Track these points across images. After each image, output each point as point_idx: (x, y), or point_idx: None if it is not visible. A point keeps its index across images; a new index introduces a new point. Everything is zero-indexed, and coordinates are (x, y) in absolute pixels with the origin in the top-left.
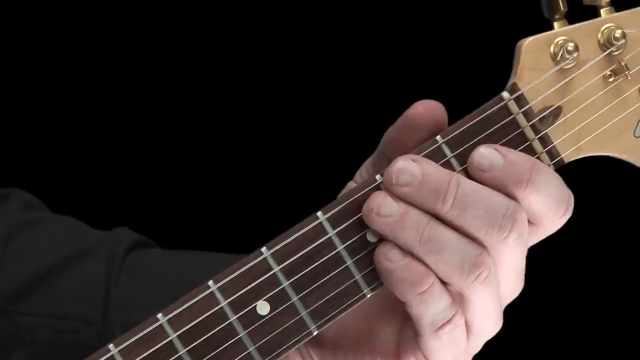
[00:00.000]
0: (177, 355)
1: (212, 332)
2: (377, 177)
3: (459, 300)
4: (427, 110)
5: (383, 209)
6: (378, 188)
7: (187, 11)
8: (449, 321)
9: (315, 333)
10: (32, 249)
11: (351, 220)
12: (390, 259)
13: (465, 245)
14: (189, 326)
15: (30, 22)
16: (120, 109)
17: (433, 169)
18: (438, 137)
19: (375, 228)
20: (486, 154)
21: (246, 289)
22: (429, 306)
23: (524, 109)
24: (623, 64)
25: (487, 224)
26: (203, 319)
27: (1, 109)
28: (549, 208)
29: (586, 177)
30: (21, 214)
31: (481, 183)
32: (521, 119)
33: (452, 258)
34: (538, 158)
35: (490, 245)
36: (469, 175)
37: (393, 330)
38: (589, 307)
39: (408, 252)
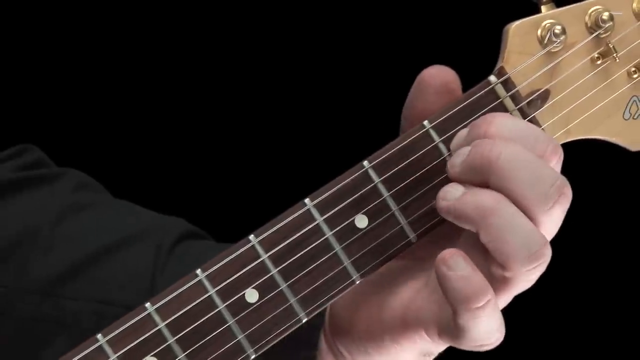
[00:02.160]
0: (165, 344)
1: (200, 321)
2: (365, 162)
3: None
4: (438, 73)
5: (448, 194)
6: (366, 174)
7: (188, 10)
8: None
9: (304, 320)
10: (81, 232)
11: (339, 207)
12: (450, 267)
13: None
14: (177, 315)
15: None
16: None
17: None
18: (425, 122)
19: (442, 215)
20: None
21: (234, 276)
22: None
23: (511, 93)
24: (611, 46)
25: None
26: (191, 307)
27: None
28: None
29: (576, 160)
30: (73, 196)
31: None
32: (509, 103)
33: (515, 241)
34: None
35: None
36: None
37: (402, 299)
38: (587, 302)
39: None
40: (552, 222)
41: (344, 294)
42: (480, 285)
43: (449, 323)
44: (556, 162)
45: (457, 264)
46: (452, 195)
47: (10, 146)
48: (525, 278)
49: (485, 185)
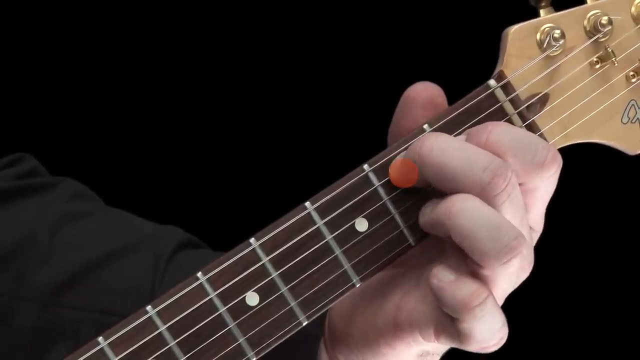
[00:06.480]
0: (166, 347)
1: (201, 324)
2: (365, 166)
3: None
4: (424, 89)
5: (426, 209)
6: (366, 177)
7: (189, 10)
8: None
9: (304, 323)
10: (79, 241)
11: (340, 210)
12: (440, 278)
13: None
14: (178, 318)
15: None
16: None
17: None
18: (425, 126)
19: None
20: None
21: (235, 280)
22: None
23: (510, 97)
24: (609, 50)
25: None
26: (192, 310)
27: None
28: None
29: (574, 164)
30: (69, 205)
31: None
32: (508, 107)
33: (484, 235)
34: None
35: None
36: None
37: (393, 302)
38: (587, 303)
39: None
40: (508, 204)
41: (344, 297)
42: (473, 285)
43: (448, 326)
44: (555, 169)
45: (442, 273)
46: (430, 209)
47: (5, 155)
48: (503, 272)
49: (427, 185)
